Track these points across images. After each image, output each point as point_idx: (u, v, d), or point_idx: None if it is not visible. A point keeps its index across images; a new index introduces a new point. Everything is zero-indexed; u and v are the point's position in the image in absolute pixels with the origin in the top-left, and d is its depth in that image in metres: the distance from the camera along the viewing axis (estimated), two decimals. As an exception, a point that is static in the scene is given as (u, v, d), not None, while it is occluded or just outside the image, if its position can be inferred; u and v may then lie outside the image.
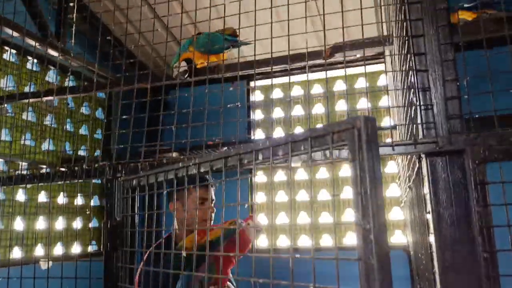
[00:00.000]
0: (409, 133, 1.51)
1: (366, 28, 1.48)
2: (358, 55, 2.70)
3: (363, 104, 4.12)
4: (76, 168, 1.45)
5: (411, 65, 1.27)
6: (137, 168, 1.39)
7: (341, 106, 4.14)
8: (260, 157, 0.91)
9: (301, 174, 4.19)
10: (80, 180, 1.45)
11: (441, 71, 1.18)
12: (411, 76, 1.28)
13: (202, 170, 1.07)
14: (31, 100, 2.79)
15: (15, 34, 3.03)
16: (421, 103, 1.19)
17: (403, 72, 1.48)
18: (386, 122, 3.97)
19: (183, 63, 2.60)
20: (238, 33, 2.41)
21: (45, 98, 2.96)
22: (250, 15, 1.68)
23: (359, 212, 0.70)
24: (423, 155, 1.20)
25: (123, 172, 1.40)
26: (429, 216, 1.19)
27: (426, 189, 1.20)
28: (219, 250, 1.61)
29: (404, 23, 1.31)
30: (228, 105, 1.68)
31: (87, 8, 3.77)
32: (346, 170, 4.06)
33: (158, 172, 1.20)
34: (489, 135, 1.10)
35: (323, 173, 4.11)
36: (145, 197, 1.29)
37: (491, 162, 1.09)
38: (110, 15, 3.88)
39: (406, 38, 1.29)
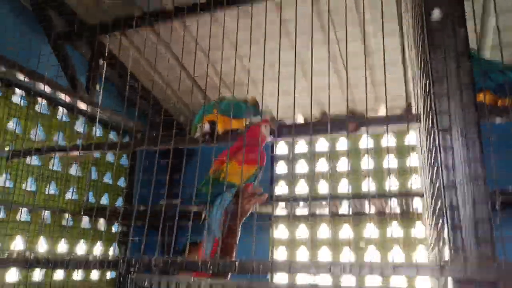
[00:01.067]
0: (434, 234, 1.43)
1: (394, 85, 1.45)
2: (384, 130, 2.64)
3: (389, 160, 4.03)
4: (90, 258, 1.44)
5: (438, 173, 1.22)
6: (151, 262, 1.36)
7: (365, 163, 4.06)
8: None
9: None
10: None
11: (471, 190, 1.12)
12: (438, 187, 1.22)
13: (213, 291, 1.03)
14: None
15: (47, 89, 3.14)
16: (449, 221, 1.13)
17: (430, 172, 1.42)
18: (413, 182, 3.86)
19: (207, 125, 2.61)
20: (260, 105, 2.40)
21: (71, 153, 3.01)
22: (275, 69, 1.65)
23: None
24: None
25: (137, 266, 1.37)
26: None
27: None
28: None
29: (432, 131, 1.26)
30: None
31: (117, 60, 3.89)
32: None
33: (171, 280, 1.17)
34: (525, 267, 1.02)
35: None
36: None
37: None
38: (139, 68, 3.99)
39: (433, 146, 1.24)
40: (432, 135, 1.28)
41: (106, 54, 3.71)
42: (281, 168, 4.47)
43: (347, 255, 4.01)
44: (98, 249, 3.87)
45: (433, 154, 1.27)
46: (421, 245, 3.89)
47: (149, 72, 4.01)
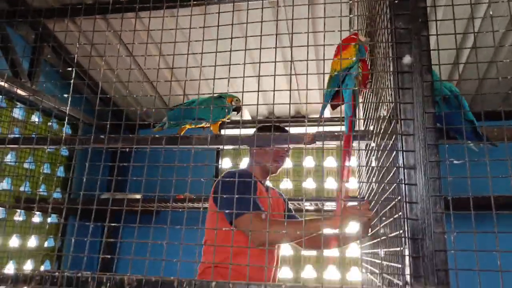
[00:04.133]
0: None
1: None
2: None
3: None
4: (56, 274, 1.40)
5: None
6: (123, 282, 1.37)
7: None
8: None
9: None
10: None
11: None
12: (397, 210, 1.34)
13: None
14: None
15: (-14, 75, 2.91)
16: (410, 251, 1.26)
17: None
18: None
19: None
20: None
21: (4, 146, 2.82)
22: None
23: None
24: None
25: (108, 285, 1.37)
26: None
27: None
28: None
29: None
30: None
31: (62, 47, 3.69)
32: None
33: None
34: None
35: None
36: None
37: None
38: (86, 56, 3.81)
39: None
40: (397, 173, 1.39)
41: (52, 39, 3.50)
42: (226, 163, 4.52)
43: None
44: (32, 243, 3.70)
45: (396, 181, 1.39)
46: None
47: (98, 62, 3.86)
